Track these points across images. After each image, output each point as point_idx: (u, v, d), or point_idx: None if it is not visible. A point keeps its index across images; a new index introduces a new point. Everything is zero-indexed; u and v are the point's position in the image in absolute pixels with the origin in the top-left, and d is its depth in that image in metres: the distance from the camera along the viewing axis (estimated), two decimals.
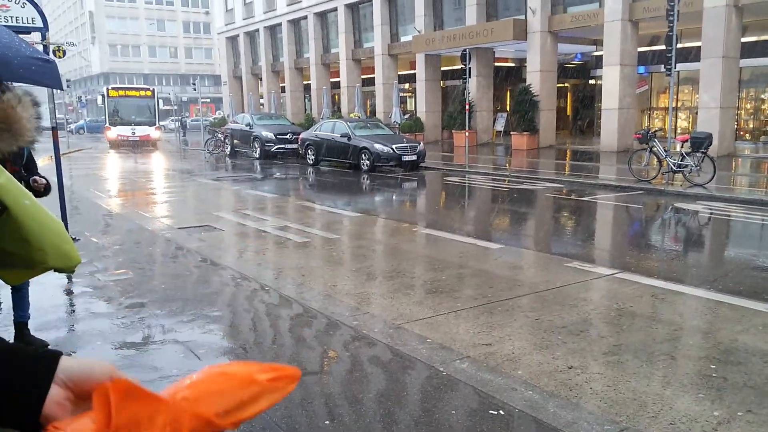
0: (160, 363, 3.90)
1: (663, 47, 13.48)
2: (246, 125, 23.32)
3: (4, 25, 5.78)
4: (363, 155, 17.36)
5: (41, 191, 3.85)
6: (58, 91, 6.65)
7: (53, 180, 7.58)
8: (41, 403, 0.73)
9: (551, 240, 8.77)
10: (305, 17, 34.77)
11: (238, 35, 42.30)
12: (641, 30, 20.81)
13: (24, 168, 4.02)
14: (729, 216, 9.96)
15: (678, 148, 12.90)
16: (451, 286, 5.90)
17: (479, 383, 3.53)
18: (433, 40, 26.05)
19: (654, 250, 7.98)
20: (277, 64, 38.86)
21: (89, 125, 52.48)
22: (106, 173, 19.50)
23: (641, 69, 22.74)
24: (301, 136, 20.75)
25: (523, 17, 22.99)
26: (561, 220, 10.56)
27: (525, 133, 22.81)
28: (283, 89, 38.91)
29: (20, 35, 4.84)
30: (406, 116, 28.81)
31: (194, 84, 28.93)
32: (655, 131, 13.81)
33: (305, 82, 37.01)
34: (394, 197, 13.53)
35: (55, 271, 1.73)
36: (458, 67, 21.90)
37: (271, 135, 21.87)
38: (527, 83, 23.24)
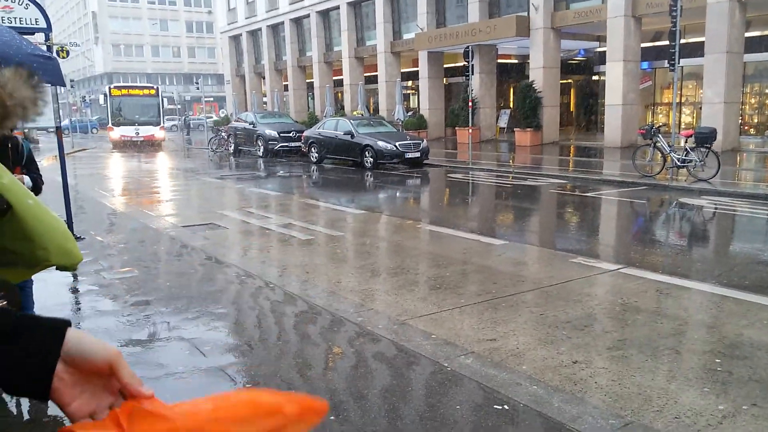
0: (165, 360, 3.91)
1: (666, 43, 13.45)
2: (249, 124, 23.34)
3: (8, 26, 5.80)
4: (366, 153, 17.36)
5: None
6: (62, 90, 6.67)
7: (57, 180, 7.63)
8: (50, 374, 0.75)
9: (555, 236, 8.77)
10: (308, 15, 34.78)
11: (240, 34, 42.35)
12: (644, 26, 20.76)
13: (23, 167, 4.04)
14: (734, 211, 9.93)
15: (682, 144, 12.88)
16: (455, 282, 5.91)
17: (484, 378, 3.54)
18: (435, 37, 26.03)
19: (658, 245, 7.97)
20: (280, 62, 38.89)
21: (102, 122, 52.75)
22: (110, 172, 19.55)
23: (644, 65, 22.68)
24: (304, 134, 20.76)
25: (525, 14, 22.96)
26: (565, 216, 10.55)
27: (528, 129, 22.79)
28: (286, 87, 38.95)
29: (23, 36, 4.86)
30: (409, 113, 28.81)
31: (197, 83, 28.94)
32: (659, 127, 13.78)
33: (308, 80, 37.03)
34: (397, 194, 13.54)
35: (57, 268, 1.75)
36: (461, 64, 21.94)
37: (274, 133, 21.88)
38: (530, 80, 23.21)
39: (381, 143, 17.10)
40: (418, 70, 28.32)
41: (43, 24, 7.07)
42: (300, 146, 20.97)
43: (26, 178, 3.94)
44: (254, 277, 5.93)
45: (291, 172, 17.83)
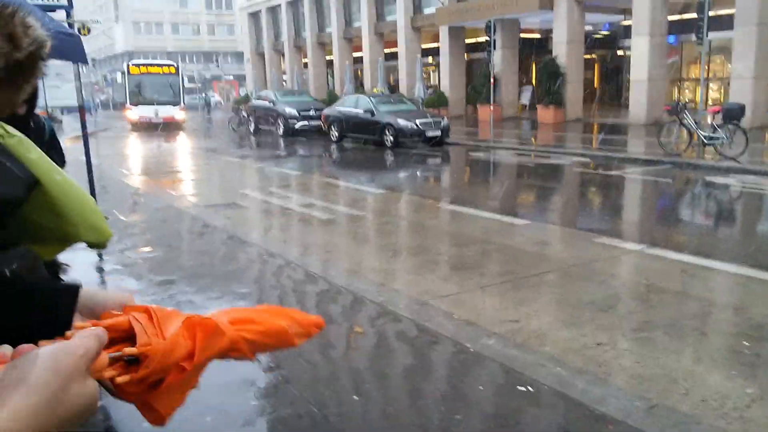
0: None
1: (694, 15, 13.09)
2: (269, 102, 23.31)
3: (31, 4, 5.81)
4: (387, 131, 17.26)
5: None
6: (84, 70, 6.70)
7: (80, 159, 7.70)
8: (68, 327, 0.78)
9: (578, 215, 8.67)
10: None
11: (260, 11, 42.11)
12: None
13: (48, 146, 4.06)
14: (762, 190, 9.72)
15: (709, 120, 12.57)
16: (476, 262, 5.88)
17: (507, 359, 3.52)
18: (456, 11, 25.64)
19: (684, 224, 7.84)
20: (300, 39, 38.67)
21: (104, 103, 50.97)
22: (131, 152, 19.72)
23: (671, 39, 22.11)
24: (324, 112, 20.68)
25: None
26: (588, 195, 10.43)
27: (551, 106, 22.45)
28: (305, 65, 38.77)
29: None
30: (430, 91, 28.53)
31: (217, 61, 28.93)
32: (686, 103, 13.49)
33: (328, 58, 36.80)
34: (418, 173, 13.47)
35: (88, 245, 1.76)
36: (483, 39, 21.53)
37: (294, 111, 21.83)
38: (553, 55, 22.79)
39: (401, 121, 16.98)
40: (438, 46, 27.97)
41: (64, 1, 7.08)
42: (320, 124, 20.91)
43: None
44: (276, 256, 5.96)
45: (311, 151, 17.82)
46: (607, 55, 28.65)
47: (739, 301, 4.76)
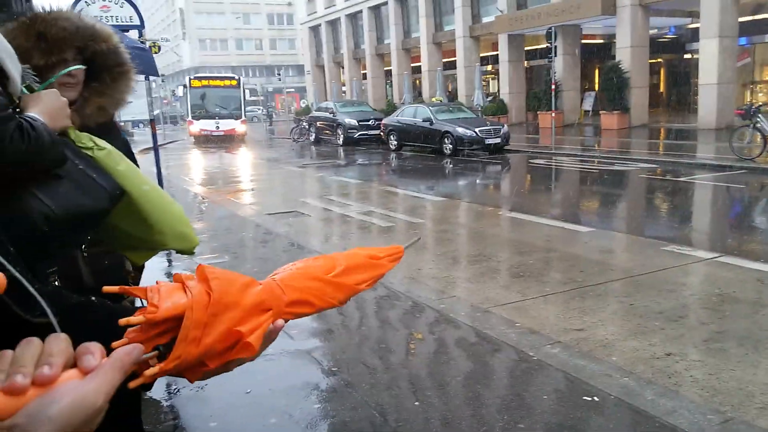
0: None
1: (767, 16, 12.50)
2: (329, 113, 23.67)
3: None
4: (445, 139, 17.23)
5: None
6: (154, 85, 7.00)
7: (151, 170, 8.02)
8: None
9: (645, 222, 8.40)
10: (386, 3, 34.77)
11: (320, 24, 42.91)
12: None
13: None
14: None
15: None
16: (538, 270, 5.77)
17: (571, 369, 3.44)
18: (516, 19, 25.39)
19: (759, 232, 7.47)
20: (359, 51, 39.16)
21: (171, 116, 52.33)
22: (196, 163, 20.39)
23: (743, 40, 21.18)
24: (383, 122, 20.84)
25: None
26: (655, 202, 10.09)
27: (615, 112, 21.87)
28: (364, 76, 39.20)
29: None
30: (489, 98, 28.30)
31: (279, 74, 29.59)
32: (759, 106, 12.86)
33: (386, 68, 37.10)
34: (477, 181, 13.37)
35: (177, 252, 1.84)
36: (543, 46, 21.24)
37: (353, 122, 22.10)
38: (617, 60, 22.22)
39: (460, 129, 16.91)
40: (497, 54, 27.73)
41: (136, 21, 7.43)
42: (379, 134, 21.07)
43: None
44: None
45: (370, 160, 17.96)
46: (673, 58, 27.70)
47: None
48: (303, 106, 47.15)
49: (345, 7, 38.85)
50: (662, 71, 28.87)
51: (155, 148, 7.86)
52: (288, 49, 78.79)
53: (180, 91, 31.63)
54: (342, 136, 22.41)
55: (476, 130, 16.77)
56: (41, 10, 1.70)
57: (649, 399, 3.08)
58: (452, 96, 30.49)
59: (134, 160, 2.22)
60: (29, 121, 1.26)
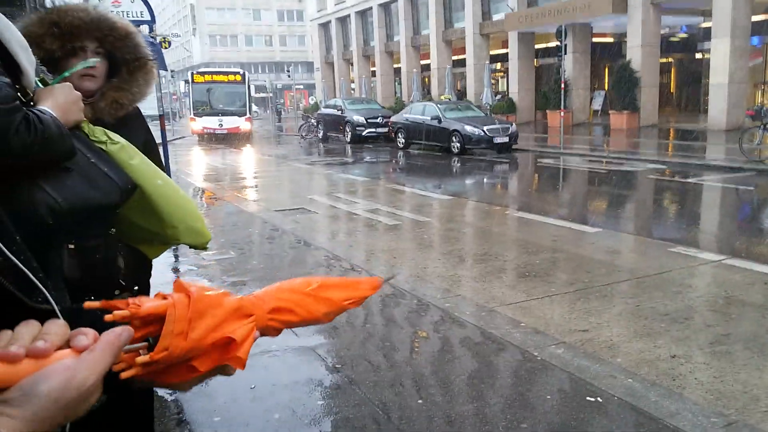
0: (260, 339, 4.06)
1: None
2: (338, 110, 23.67)
3: None
4: (453, 138, 17.20)
5: None
6: (164, 81, 7.03)
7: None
8: None
9: (653, 224, 8.37)
10: (395, 0, 34.74)
11: (330, 21, 42.92)
12: None
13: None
14: None
15: None
16: (544, 270, 5.77)
17: (576, 369, 3.44)
18: (527, 17, 25.30)
19: (767, 235, 7.43)
20: (368, 48, 39.15)
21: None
22: (204, 159, 20.45)
23: (755, 40, 21.02)
24: (391, 119, 20.84)
25: None
26: (663, 203, 10.04)
27: (624, 111, 21.78)
28: (373, 74, 39.19)
29: None
30: (498, 97, 28.24)
31: (288, 71, 29.48)
32: None
33: (395, 66, 37.08)
34: (485, 180, 13.35)
35: (189, 247, 1.86)
36: (553, 44, 21.18)
37: (361, 119, 22.10)
38: (627, 59, 22.10)
39: (468, 128, 16.88)
40: (507, 52, 27.65)
41: (147, 17, 7.47)
42: (387, 132, 21.07)
43: None
44: (342, 260, 6.04)
45: (378, 158, 17.97)
46: (684, 58, 27.52)
47: None
48: (311, 102, 47.12)
49: (355, 4, 38.83)
50: (673, 71, 28.69)
51: (164, 144, 7.89)
52: (297, 45, 78.89)
53: (182, 87, 29.54)
54: (350, 133, 22.42)
55: (484, 128, 16.74)
56: (57, 4, 1.75)
57: (653, 401, 3.07)
58: (461, 94, 30.44)
59: (157, 152, 2.26)
60: (37, 113, 1.27)
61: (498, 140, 16.66)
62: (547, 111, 24.82)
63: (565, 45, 17.38)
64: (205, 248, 1.91)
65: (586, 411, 3.00)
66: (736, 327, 4.23)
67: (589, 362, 3.57)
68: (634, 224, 8.44)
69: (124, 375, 0.69)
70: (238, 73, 28.35)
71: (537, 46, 27.44)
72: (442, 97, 27.95)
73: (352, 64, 41.47)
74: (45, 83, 1.45)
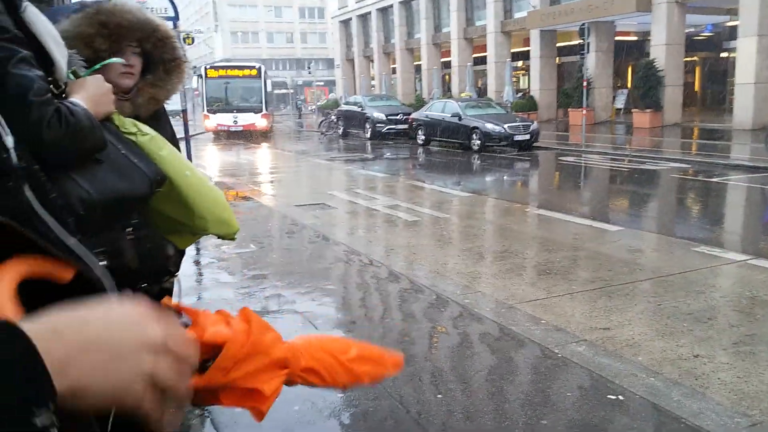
0: (282, 331, 4.07)
1: None
2: (358, 107, 23.70)
3: None
4: (473, 135, 17.13)
5: None
6: (186, 76, 7.08)
7: None
8: None
9: (676, 223, 8.26)
10: None
11: (350, 18, 42.96)
12: None
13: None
14: None
15: None
16: (565, 267, 5.72)
17: (597, 367, 3.41)
18: (549, 15, 25.09)
19: None
20: (389, 45, 39.11)
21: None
22: (224, 154, 20.60)
23: None
24: (411, 116, 20.81)
25: None
26: (687, 202, 9.91)
27: (648, 110, 21.51)
28: (393, 71, 39.15)
29: None
30: (519, 95, 28.06)
31: (309, 68, 29.52)
32: None
33: (416, 63, 37.01)
34: (505, 177, 13.28)
35: (218, 237, 1.89)
36: (575, 42, 20.98)
37: (382, 116, 22.10)
38: (651, 57, 21.83)
39: (489, 125, 16.80)
40: (529, 50, 27.45)
41: (171, 13, 7.54)
42: (407, 128, 21.05)
43: None
44: (361, 255, 6.05)
45: (398, 154, 17.96)
46: (709, 57, 27.10)
47: None
48: (324, 100, 46.98)
49: (376, 1, 38.81)
50: (697, 70, 28.27)
51: (186, 139, 7.97)
52: (318, 42, 79.02)
53: (195, 82, 28.30)
54: (370, 129, 22.44)
55: (505, 126, 16.64)
56: (105, 2, 1.81)
57: (675, 400, 3.04)
58: (482, 92, 30.28)
59: (178, 147, 2.32)
60: (68, 106, 1.29)
61: (518, 138, 16.55)
62: (569, 109, 24.60)
63: (588, 43, 17.21)
64: (233, 238, 1.93)
65: (607, 408, 2.98)
66: (760, 327, 4.17)
67: (610, 360, 3.54)
68: (657, 223, 8.34)
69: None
70: (254, 67, 27.01)
71: (559, 44, 27.19)
72: (463, 95, 27.83)
73: (372, 61, 41.47)
74: (77, 75, 1.47)
